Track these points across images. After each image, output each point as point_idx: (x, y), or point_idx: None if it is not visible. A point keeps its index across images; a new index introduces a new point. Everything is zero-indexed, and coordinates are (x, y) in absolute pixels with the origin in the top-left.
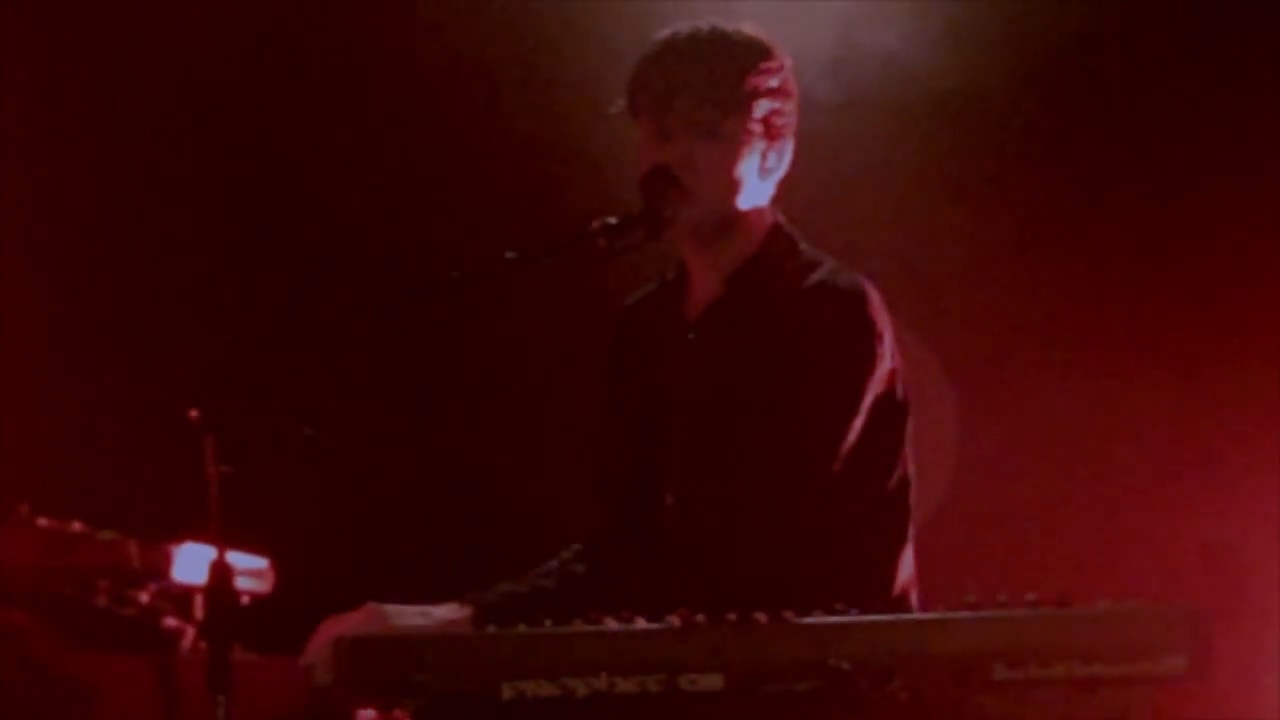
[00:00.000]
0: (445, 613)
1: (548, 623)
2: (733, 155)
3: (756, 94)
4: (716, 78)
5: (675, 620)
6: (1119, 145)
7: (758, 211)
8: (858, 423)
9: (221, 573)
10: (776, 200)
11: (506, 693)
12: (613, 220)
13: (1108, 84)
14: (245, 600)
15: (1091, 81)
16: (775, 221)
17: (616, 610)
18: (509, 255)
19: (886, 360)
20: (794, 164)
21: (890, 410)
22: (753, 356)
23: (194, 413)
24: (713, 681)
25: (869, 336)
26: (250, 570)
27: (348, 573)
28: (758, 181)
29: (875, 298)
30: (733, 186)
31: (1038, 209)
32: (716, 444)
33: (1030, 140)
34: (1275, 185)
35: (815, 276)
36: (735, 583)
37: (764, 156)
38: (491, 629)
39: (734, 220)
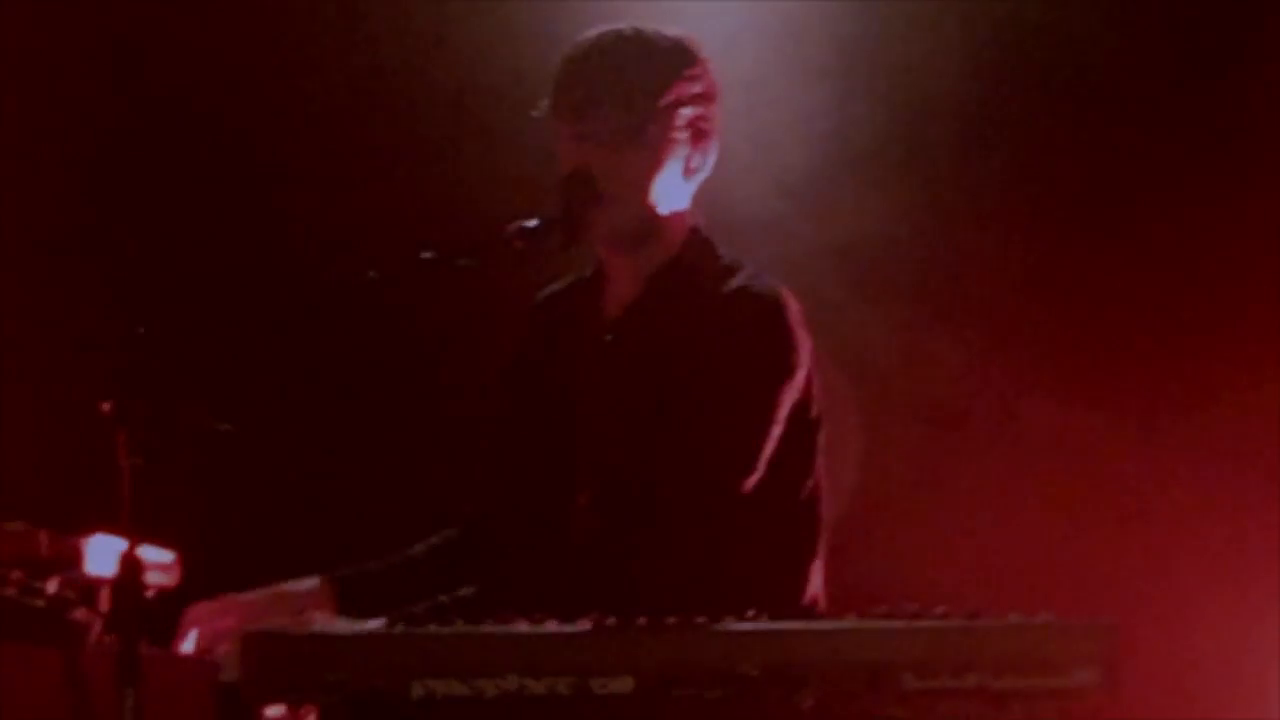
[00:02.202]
0: (304, 588)
1: (459, 621)
2: (653, 161)
3: (679, 100)
4: (638, 84)
5: (586, 623)
6: (1104, 157)
7: (677, 215)
8: (775, 431)
9: (131, 566)
10: (695, 202)
11: (416, 691)
12: (531, 223)
13: (1097, 103)
14: (151, 594)
15: (1079, 99)
16: (694, 225)
17: (521, 608)
18: (425, 256)
19: (803, 370)
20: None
21: (804, 420)
22: (670, 360)
23: (106, 405)
24: (623, 684)
25: (786, 344)
26: (157, 564)
27: (256, 568)
28: (679, 185)
29: (794, 306)
30: (652, 192)
31: (1017, 223)
32: (633, 447)
33: (1013, 152)
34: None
35: (734, 282)
36: (647, 587)
37: (686, 160)
38: (400, 628)
39: (653, 224)
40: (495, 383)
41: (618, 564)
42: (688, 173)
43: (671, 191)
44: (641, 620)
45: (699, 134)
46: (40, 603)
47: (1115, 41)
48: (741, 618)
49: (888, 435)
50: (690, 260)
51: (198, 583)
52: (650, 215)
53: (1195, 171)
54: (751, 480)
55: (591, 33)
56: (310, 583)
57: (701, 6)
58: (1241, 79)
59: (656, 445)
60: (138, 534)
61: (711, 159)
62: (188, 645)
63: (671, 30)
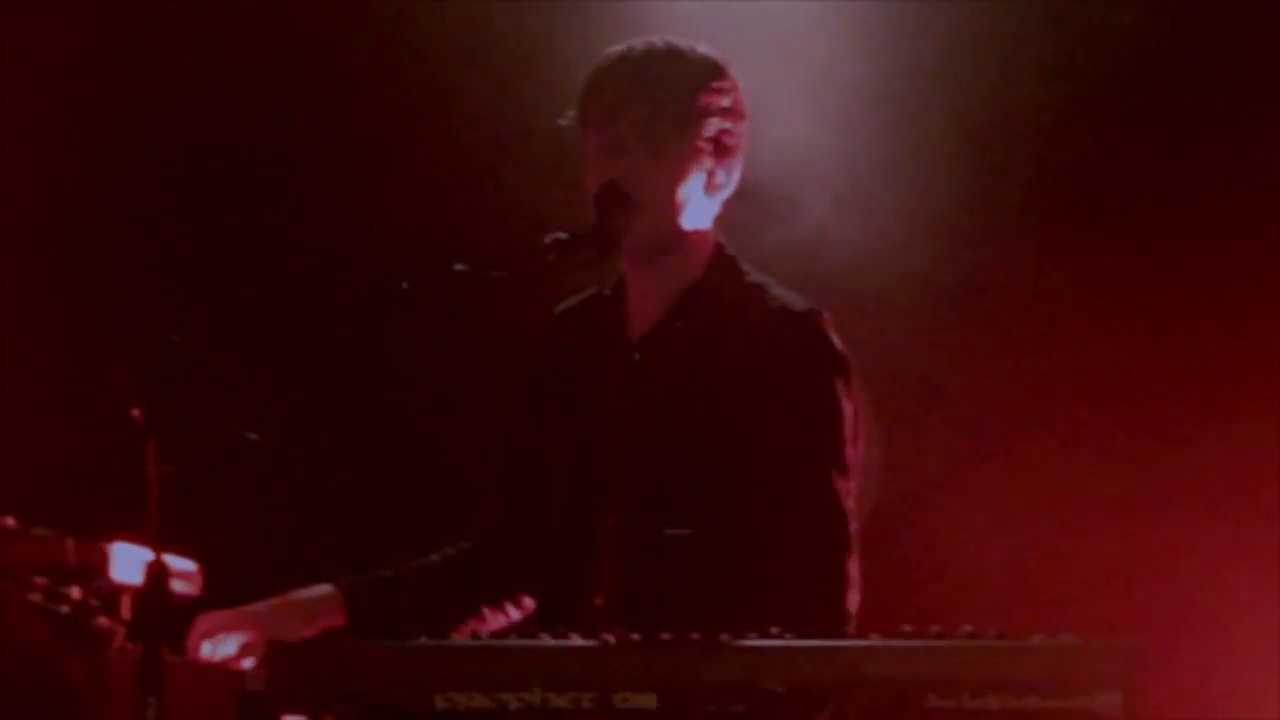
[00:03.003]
0: (316, 595)
1: (482, 635)
2: (681, 172)
3: (708, 112)
4: (669, 94)
5: (610, 637)
6: (1132, 184)
7: (702, 233)
8: (848, 450)
9: (157, 574)
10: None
11: (439, 703)
12: (564, 236)
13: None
14: (175, 602)
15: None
16: (718, 242)
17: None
18: (459, 267)
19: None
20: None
21: (854, 435)
22: (717, 381)
23: (136, 412)
24: (646, 700)
25: (841, 359)
26: (181, 573)
27: (282, 577)
28: (704, 200)
29: (830, 319)
30: (680, 204)
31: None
32: (679, 468)
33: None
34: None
35: (772, 299)
36: (697, 606)
37: (712, 175)
38: (424, 640)
39: (679, 238)
40: (512, 397)
41: (665, 584)
42: (711, 188)
43: (696, 206)
44: (665, 636)
45: (724, 149)
46: (65, 609)
47: (1203, 94)
48: (766, 634)
49: (912, 453)
50: (717, 279)
51: (217, 592)
52: (676, 228)
53: (1211, 184)
54: (846, 497)
55: (622, 44)
56: (323, 590)
57: (812, 66)
58: None
59: (724, 466)
60: (163, 542)
61: (735, 177)
62: (202, 655)
63: (703, 46)
